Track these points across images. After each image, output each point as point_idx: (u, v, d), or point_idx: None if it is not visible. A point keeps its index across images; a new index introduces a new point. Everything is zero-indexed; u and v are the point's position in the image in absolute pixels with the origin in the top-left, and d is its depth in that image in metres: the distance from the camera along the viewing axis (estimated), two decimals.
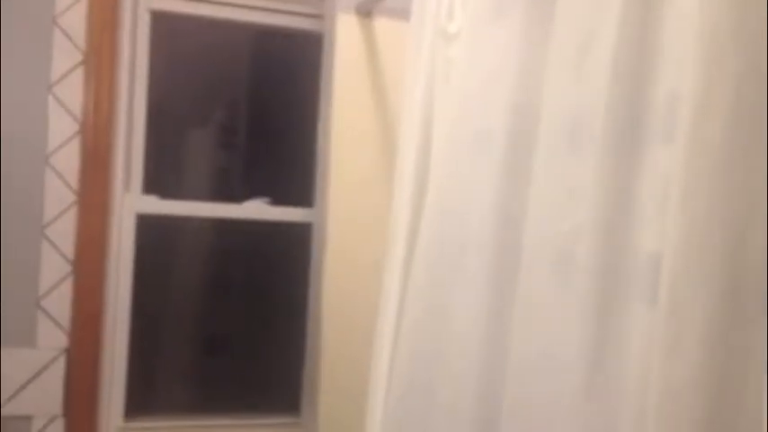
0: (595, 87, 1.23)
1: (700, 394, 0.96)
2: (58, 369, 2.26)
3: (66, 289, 2.28)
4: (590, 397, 1.18)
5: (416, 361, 1.67)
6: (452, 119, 1.70)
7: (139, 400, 2.46)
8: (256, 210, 2.57)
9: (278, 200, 2.59)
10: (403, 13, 2.09)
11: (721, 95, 0.97)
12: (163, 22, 2.49)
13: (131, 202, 2.42)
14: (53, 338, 2.26)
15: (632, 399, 1.11)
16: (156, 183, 2.47)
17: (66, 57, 2.27)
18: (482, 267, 1.51)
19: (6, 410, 2.21)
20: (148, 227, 2.45)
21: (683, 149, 0.99)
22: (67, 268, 2.28)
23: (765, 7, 0.95)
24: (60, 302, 2.27)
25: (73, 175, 2.27)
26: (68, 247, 2.27)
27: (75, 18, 2.27)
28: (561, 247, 1.28)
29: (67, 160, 2.27)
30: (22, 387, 2.23)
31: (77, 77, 2.28)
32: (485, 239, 1.51)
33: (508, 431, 1.36)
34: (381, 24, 2.44)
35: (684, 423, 0.96)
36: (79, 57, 2.28)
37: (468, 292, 1.53)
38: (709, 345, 0.96)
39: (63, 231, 2.27)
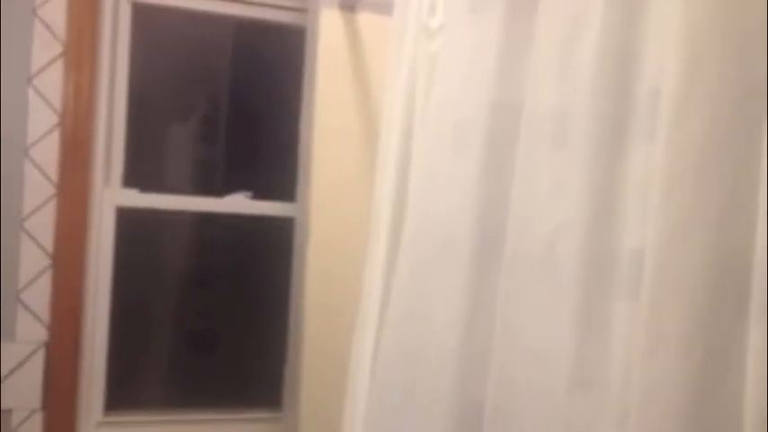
0: (579, 85, 1.24)
1: (680, 392, 0.96)
2: (38, 363, 2.25)
3: (46, 282, 2.26)
4: (573, 393, 1.19)
5: (398, 359, 1.67)
6: (433, 114, 1.70)
7: (119, 394, 2.45)
8: (238, 204, 2.57)
9: (260, 194, 2.58)
10: (386, 8, 2.09)
11: (702, 94, 0.97)
12: (144, 14, 2.47)
13: (111, 195, 2.41)
14: (32, 332, 2.25)
15: (615, 394, 1.12)
16: (136, 176, 2.46)
17: (46, 48, 2.26)
18: (463, 265, 1.51)
19: None
20: (128, 220, 2.44)
21: (663, 147, 1.00)
22: (47, 261, 2.26)
23: (747, 8, 0.95)
24: (39, 296, 2.26)
25: (52, 168, 2.26)
26: (48, 240, 2.26)
27: (55, 9, 2.26)
28: (545, 244, 1.29)
29: (47, 153, 2.25)
30: (1, 381, 2.21)
31: (57, 69, 2.26)
32: (466, 237, 1.51)
33: (491, 428, 1.37)
34: (365, 19, 2.44)
35: (665, 421, 0.97)
36: (59, 48, 2.27)
37: (450, 291, 1.53)
38: (690, 343, 0.96)
39: (42, 224, 2.25)
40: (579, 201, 1.21)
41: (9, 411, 2.23)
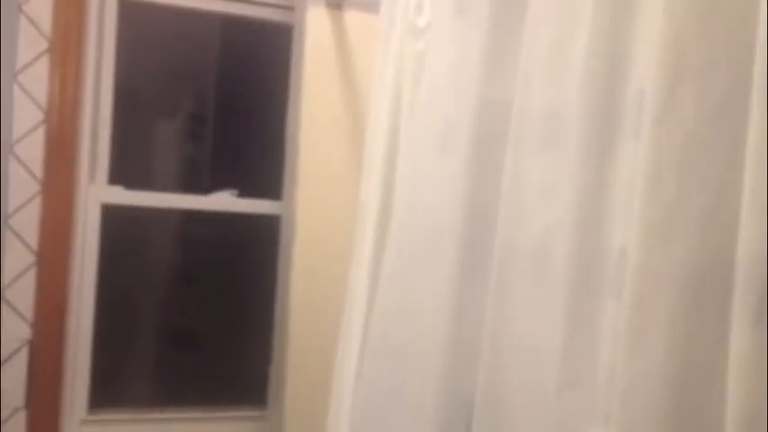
0: (569, 85, 1.25)
1: (661, 389, 0.97)
2: (22, 361, 2.24)
3: (30, 280, 2.25)
4: (562, 391, 1.20)
5: (385, 356, 1.68)
6: (420, 113, 1.70)
7: (104, 393, 2.44)
8: (224, 201, 2.56)
9: (246, 192, 2.57)
10: (373, 6, 2.09)
11: (685, 94, 0.98)
12: (130, 10, 2.45)
13: (96, 192, 2.40)
14: (16, 330, 2.24)
15: (603, 393, 1.12)
16: (121, 173, 2.45)
17: (31, 44, 2.24)
18: (450, 263, 1.51)
19: None
20: (114, 218, 2.42)
21: (646, 146, 1.01)
22: (31, 259, 2.25)
23: (731, 8, 0.96)
24: (24, 293, 2.24)
25: (37, 165, 2.25)
26: (32, 238, 2.24)
27: (41, 5, 2.24)
28: (536, 243, 1.30)
29: (32, 149, 2.24)
30: None
31: (43, 65, 2.25)
32: (453, 234, 1.52)
33: (480, 422, 1.37)
34: (352, 17, 2.44)
35: (648, 416, 0.97)
36: (45, 45, 2.25)
37: (437, 289, 1.54)
38: (672, 341, 0.97)
39: (27, 221, 2.24)
40: (569, 200, 1.21)
41: None
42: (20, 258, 2.24)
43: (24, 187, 2.24)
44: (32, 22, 2.24)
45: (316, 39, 2.42)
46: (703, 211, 0.96)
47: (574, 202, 1.21)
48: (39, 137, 2.25)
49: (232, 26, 2.66)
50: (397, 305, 1.66)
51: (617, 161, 1.17)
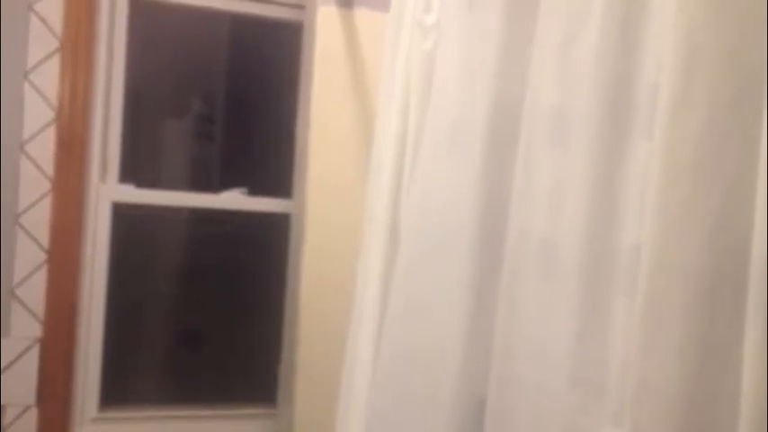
0: (579, 83, 1.24)
1: (675, 388, 0.96)
2: (32, 359, 2.24)
3: (41, 278, 2.26)
4: (574, 389, 1.19)
5: (399, 359, 1.67)
6: (430, 112, 1.70)
7: (115, 391, 2.44)
8: (234, 200, 2.56)
9: (256, 190, 2.58)
10: (383, 5, 2.09)
11: (699, 89, 0.97)
12: (141, 10, 2.46)
13: (107, 190, 2.40)
14: (27, 328, 2.24)
15: (614, 389, 1.12)
16: (132, 171, 2.45)
17: (42, 44, 2.25)
18: (463, 262, 1.51)
19: None
20: (124, 216, 2.43)
21: (660, 143, 1.00)
22: (42, 257, 2.26)
23: (742, 3, 0.95)
24: (35, 291, 2.25)
25: (48, 163, 2.25)
26: (43, 236, 2.25)
27: (52, 5, 2.25)
28: (547, 241, 1.29)
29: (43, 148, 2.25)
30: None
31: (54, 65, 2.26)
32: (466, 235, 1.51)
33: (492, 422, 1.37)
34: (361, 15, 2.43)
35: (661, 414, 0.97)
36: (56, 44, 2.26)
37: (451, 288, 1.53)
38: (686, 339, 0.96)
39: (38, 220, 2.25)
40: (581, 198, 1.21)
41: (3, 407, 2.23)
42: (31, 256, 2.25)
43: (35, 186, 2.25)
44: (43, 21, 2.24)
45: (326, 37, 2.42)
46: (719, 207, 0.95)
47: (585, 200, 1.21)
48: (49, 135, 2.26)
49: (242, 25, 2.67)
50: (409, 307, 1.66)
51: (629, 157, 1.17)
